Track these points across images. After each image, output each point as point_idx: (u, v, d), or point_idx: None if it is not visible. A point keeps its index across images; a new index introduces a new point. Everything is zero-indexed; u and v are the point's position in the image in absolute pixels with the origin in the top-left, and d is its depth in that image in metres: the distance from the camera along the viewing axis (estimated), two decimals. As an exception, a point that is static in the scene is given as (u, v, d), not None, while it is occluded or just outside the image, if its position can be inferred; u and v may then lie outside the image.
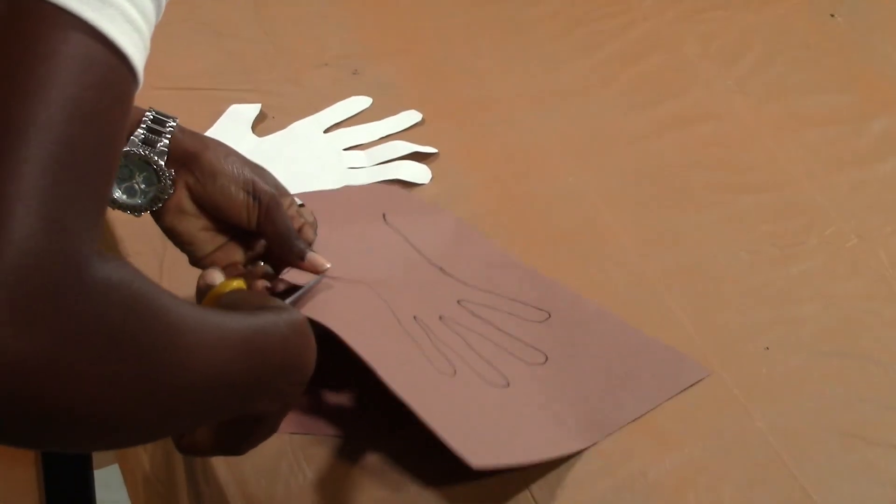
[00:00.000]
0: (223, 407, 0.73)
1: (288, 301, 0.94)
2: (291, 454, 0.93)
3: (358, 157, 1.21)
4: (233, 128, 1.22)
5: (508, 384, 0.98)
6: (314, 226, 1.02)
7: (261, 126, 1.24)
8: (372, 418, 0.96)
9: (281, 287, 0.96)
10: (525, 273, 1.08)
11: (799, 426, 0.98)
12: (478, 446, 0.89)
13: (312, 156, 1.21)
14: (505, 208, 1.16)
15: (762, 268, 1.12)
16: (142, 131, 0.93)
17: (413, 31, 1.41)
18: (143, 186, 0.94)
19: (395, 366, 0.93)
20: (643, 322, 1.06)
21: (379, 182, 1.18)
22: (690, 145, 1.26)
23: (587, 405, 0.97)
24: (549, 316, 1.04)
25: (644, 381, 0.99)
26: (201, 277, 0.89)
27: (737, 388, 1.00)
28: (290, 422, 0.93)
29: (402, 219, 1.10)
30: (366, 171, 1.19)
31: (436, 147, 1.22)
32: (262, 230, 0.97)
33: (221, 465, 0.92)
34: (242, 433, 0.80)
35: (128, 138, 0.93)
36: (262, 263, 0.99)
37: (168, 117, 0.94)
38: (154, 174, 0.94)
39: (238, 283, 0.88)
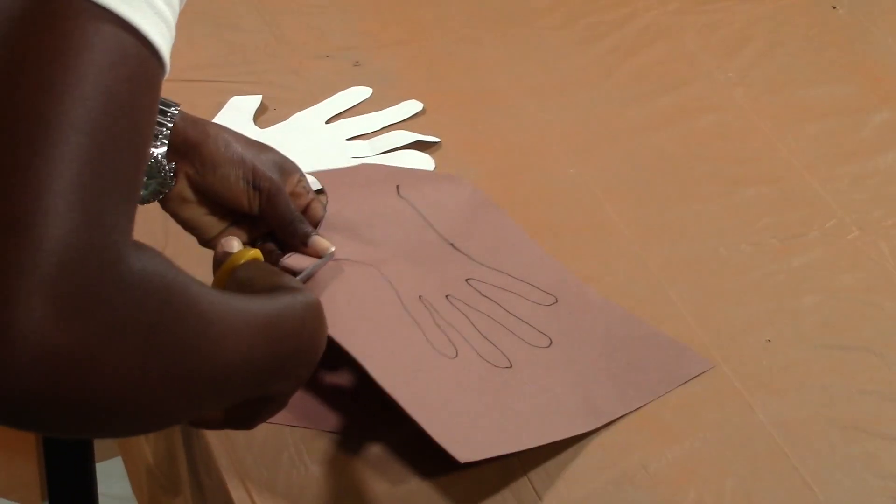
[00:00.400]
0: (244, 390, 0.74)
1: (299, 279, 0.95)
2: (293, 447, 0.93)
3: (360, 147, 1.21)
4: (234, 119, 1.22)
5: (511, 365, 0.98)
6: (323, 202, 1.02)
7: (262, 118, 1.24)
8: (373, 411, 0.96)
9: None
10: (536, 254, 1.09)
11: (800, 418, 0.98)
12: (467, 438, 0.89)
13: (315, 147, 1.21)
14: (506, 199, 1.16)
15: (763, 260, 1.12)
16: None
17: (414, 22, 1.40)
18: (145, 178, 0.94)
19: (386, 356, 0.93)
20: (645, 314, 1.06)
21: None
22: (692, 137, 1.26)
23: (588, 391, 0.97)
24: (556, 301, 1.04)
25: (647, 372, 0.99)
26: (219, 245, 0.90)
27: (738, 380, 1.00)
28: (291, 415, 0.94)
29: (416, 191, 1.10)
30: (369, 160, 1.19)
31: (437, 138, 1.22)
32: (265, 216, 0.98)
33: (223, 457, 0.92)
34: (253, 410, 0.81)
35: None
36: (269, 242, 1.00)
37: (170, 104, 0.95)
38: (155, 168, 0.94)
39: (255, 253, 0.89)
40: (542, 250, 1.09)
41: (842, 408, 0.99)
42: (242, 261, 0.88)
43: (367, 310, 0.97)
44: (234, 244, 0.90)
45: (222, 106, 1.24)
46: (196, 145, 0.95)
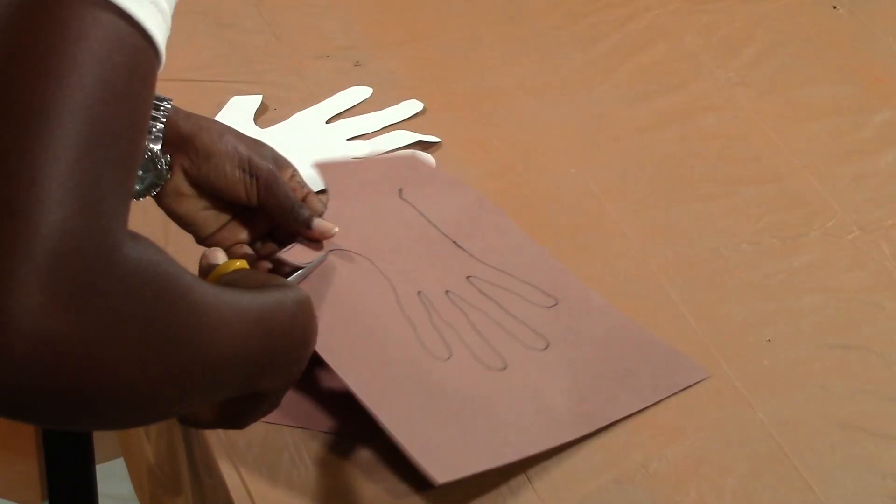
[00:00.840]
0: (235, 384, 0.74)
1: (291, 279, 0.95)
2: (293, 447, 0.93)
3: (361, 147, 1.21)
4: (234, 119, 1.22)
5: (505, 367, 0.97)
6: (324, 200, 1.02)
7: (263, 118, 1.24)
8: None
9: (287, 270, 0.96)
10: (539, 255, 1.08)
11: (800, 418, 0.98)
12: (448, 456, 0.89)
13: (315, 146, 1.20)
14: (506, 200, 1.16)
15: (764, 259, 1.12)
16: None
17: (415, 22, 1.40)
18: (140, 173, 0.94)
19: (371, 365, 0.93)
20: (645, 313, 1.06)
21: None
22: (692, 137, 1.26)
23: (582, 395, 0.96)
24: (557, 303, 1.04)
25: (642, 378, 0.99)
26: (203, 257, 0.90)
27: (738, 380, 1.00)
28: (291, 416, 0.94)
29: (420, 193, 1.10)
30: (368, 162, 1.20)
31: (437, 138, 1.22)
32: (264, 205, 0.97)
33: (224, 458, 0.92)
34: (244, 409, 0.81)
35: None
36: (270, 243, 1.00)
37: (162, 99, 0.95)
38: (150, 161, 0.94)
39: (241, 264, 0.89)
40: (545, 252, 1.09)
41: (842, 407, 0.99)
42: (230, 270, 0.87)
43: (359, 312, 0.97)
44: (219, 256, 0.90)
45: (222, 106, 1.24)
46: (190, 137, 0.96)
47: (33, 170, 0.58)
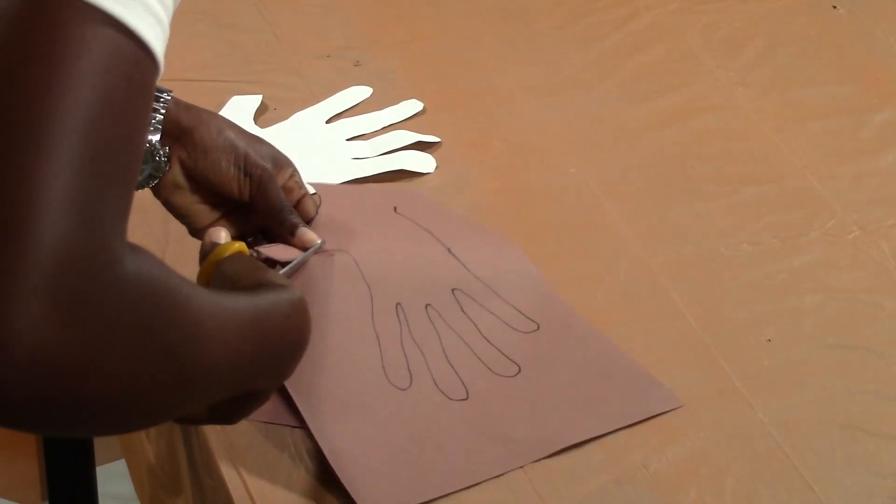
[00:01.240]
0: (231, 387, 0.75)
1: (283, 272, 0.95)
2: (293, 447, 0.93)
3: (361, 147, 1.21)
4: (234, 119, 1.21)
5: (467, 397, 0.96)
6: (316, 201, 1.02)
7: (263, 117, 1.24)
8: None
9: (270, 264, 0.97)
10: (530, 276, 1.07)
11: (800, 418, 0.98)
12: (386, 486, 0.89)
13: (316, 146, 1.20)
14: (507, 199, 1.16)
15: (764, 259, 1.12)
16: None
17: (415, 22, 1.40)
18: None
19: (326, 386, 0.93)
20: (645, 313, 1.06)
21: (385, 174, 1.18)
22: (692, 137, 1.26)
23: (543, 421, 0.95)
24: (538, 328, 1.02)
25: (608, 403, 0.97)
26: (207, 235, 0.91)
27: (738, 379, 1.00)
28: (291, 416, 0.94)
29: (415, 207, 1.10)
30: (370, 161, 1.19)
31: (437, 138, 1.22)
32: (254, 204, 0.98)
33: (224, 458, 0.92)
34: (237, 407, 0.82)
35: None
36: (261, 239, 1.00)
37: (162, 90, 0.95)
38: (149, 152, 0.94)
39: (240, 246, 0.89)
40: (537, 273, 1.07)
41: (842, 407, 0.98)
42: (228, 253, 0.88)
43: (331, 324, 0.96)
44: (222, 235, 0.90)
45: (222, 106, 1.24)
46: (189, 130, 0.96)
47: (32, 186, 0.58)
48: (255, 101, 1.25)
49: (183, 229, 1.01)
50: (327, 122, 1.25)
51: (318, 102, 1.26)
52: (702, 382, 1.00)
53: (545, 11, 1.42)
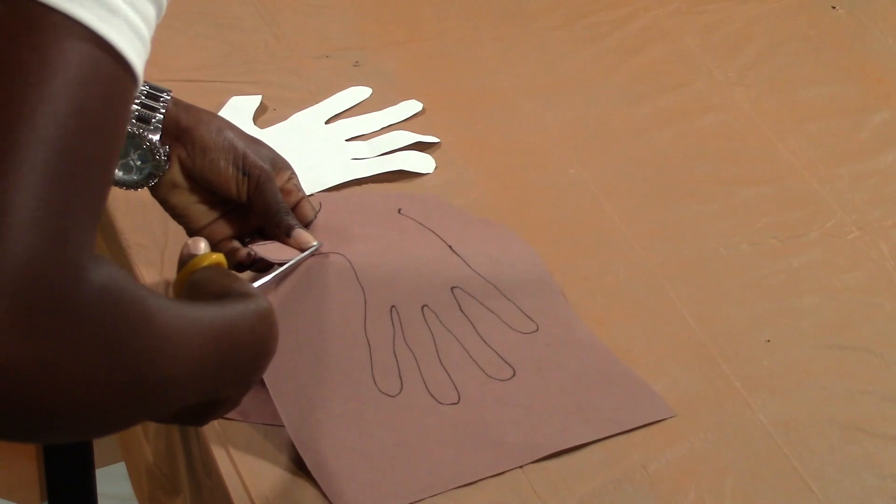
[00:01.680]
0: (194, 396, 0.75)
1: (266, 278, 0.95)
2: (293, 447, 0.93)
3: (360, 147, 1.21)
4: (234, 119, 1.22)
5: (458, 401, 0.96)
6: (315, 205, 1.02)
7: (262, 118, 1.24)
8: None
9: (261, 266, 0.97)
10: (534, 274, 1.07)
11: (800, 418, 0.98)
12: (368, 494, 0.89)
13: (315, 147, 1.21)
14: (506, 200, 1.16)
15: (763, 260, 1.12)
16: (136, 107, 0.94)
17: (414, 22, 1.40)
18: (138, 163, 0.95)
19: (311, 404, 0.93)
20: (644, 313, 1.06)
21: (385, 175, 1.18)
22: (691, 137, 1.26)
23: (534, 425, 0.95)
24: (537, 329, 1.02)
25: (600, 410, 0.97)
26: (185, 246, 0.90)
27: (738, 380, 1.00)
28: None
29: (418, 208, 1.10)
30: (369, 161, 1.19)
31: (437, 138, 1.22)
32: (252, 204, 0.98)
33: (223, 458, 0.92)
34: (203, 412, 0.82)
35: None
36: (259, 239, 1.00)
37: (162, 90, 0.95)
38: (149, 151, 0.95)
39: (217, 257, 0.89)
40: (543, 268, 1.07)
41: (842, 408, 0.99)
42: (204, 264, 0.88)
43: (321, 330, 0.96)
44: (201, 246, 0.90)
45: (222, 106, 1.24)
46: (188, 129, 0.96)
47: (2, 198, 0.58)
48: (254, 101, 1.25)
49: (182, 230, 1.01)
50: (326, 122, 1.25)
51: (317, 103, 1.26)
52: (701, 383, 1.00)
53: (545, 12, 1.42)
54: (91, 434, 0.71)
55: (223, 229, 1.00)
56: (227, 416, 0.94)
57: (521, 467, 0.92)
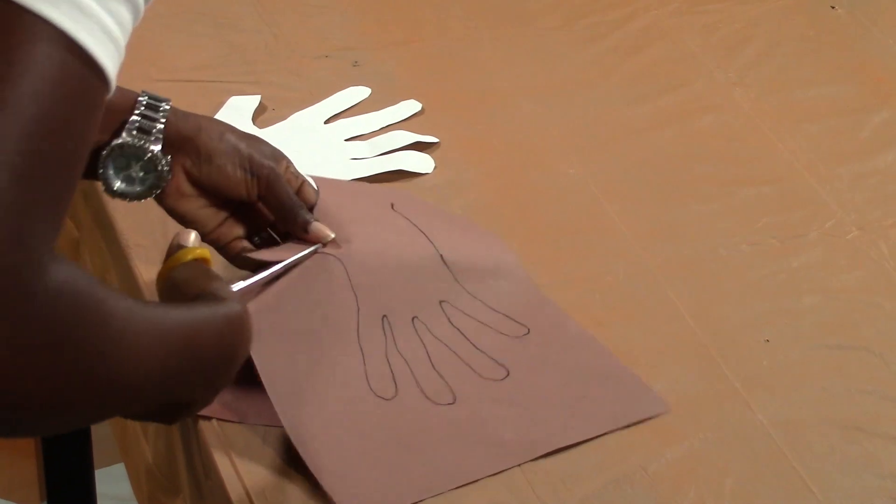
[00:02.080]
0: (156, 398, 0.76)
1: (254, 279, 0.94)
2: (292, 447, 0.93)
3: (360, 147, 1.21)
4: (233, 119, 1.22)
5: (454, 401, 0.96)
6: (314, 186, 1.02)
7: (261, 118, 1.24)
8: None
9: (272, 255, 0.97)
10: (520, 281, 1.06)
11: (799, 418, 0.98)
12: (372, 494, 0.89)
13: (314, 147, 1.20)
14: (505, 200, 1.16)
15: (763, 260, 1.12)
16: (136, 118, 0.94)
17: (413, 22, 1.40)
18: (140, 175, 0.95)
19: (310, 409, 0.93)
20: (644, 313, 1.06)
21: (384, 174, 1.18)
22: (691, 137, 1.26)
23: (531, 423, 0.95)
24: (528, 332, 1.02)
25: (598, 406, 0.97)
26: (175, 236, 0.90)
27: (737, 380, 1.00)
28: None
29: (411, 205, 1.10)
30: (368, 161, 1.19)
31: (436, 138, 1.22)
32: (265, 203, 0.99)
33: (222, 458, 0.92)
34: (169, 412, 0.82)
35: (123, 124, 0.94)
36: (269, 236, 1.01)
37: (161, 100, 0.95)
38: (151, 162, 0.94)
39: (201, 252, 0.88)
40: (526, 276, 1.07)
41: (841, 408, 0.99)
42: (187, 258, 0.87)
43: (315, 334, 0.96)
44: (190, 238, 0.89)
45: (222, 106, 1.24)
46: (190, 138, 0.96)
47: None
48: (253, 101, 1.25)
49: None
50: (326, 122, 1.25)
51: (316, 103, 1.26)
52: (700, 383, 1.00)
53: (544, 12, 1.42)
54: (46, 431, 0.72)
55: (233, 229, 1.00)
56: (226, 418, 0.94)
57: (520, 467, 0.92)
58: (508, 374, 0.98)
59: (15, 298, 0.59)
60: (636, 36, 1.39)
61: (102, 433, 1.60)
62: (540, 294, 1.06)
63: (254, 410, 0.94)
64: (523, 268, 1.08)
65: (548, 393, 0.98)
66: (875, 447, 0.96)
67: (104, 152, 0.94)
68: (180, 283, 0.85)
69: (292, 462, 0.92)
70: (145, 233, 1.09)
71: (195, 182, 0.97)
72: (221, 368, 0.81)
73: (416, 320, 1.00)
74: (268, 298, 0.96)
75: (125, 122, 0.94)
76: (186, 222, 0.99)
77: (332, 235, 0.99)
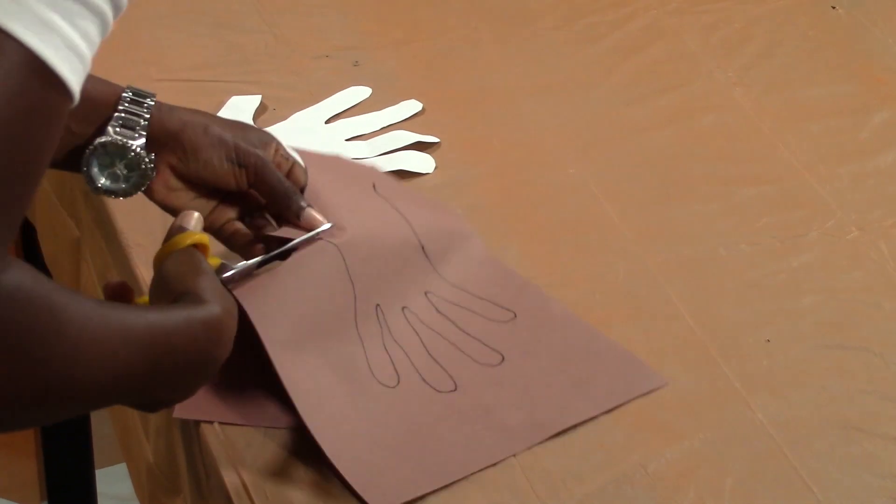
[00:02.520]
0: (122, 400, 0.76)
1: (256, 260, 0.94)
2: (292, 447, 0.93)
3: (360, 147, 1.21)
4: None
5: (455, 388, 0.97)
6: (304, 169, 1.02)
7: (262, 118, 1.24)
8: None
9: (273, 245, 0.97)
10: (500, 272, 1.07)
11: (800, 418, 0.98)
12: (390, 481, 0.89)
13: (315, 147, 1.20)
14: (506, 199, 1.16)
15: (763, 260, 1.12)
16: (120, 113, 0.94)
17: (413, 21, 1.40)
18: (125, 172, 0.95)
19: (321, 387, 0.93)
20: (644, 313, 1.06)
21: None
22: (691, 137, 1.26)
23: (534, 406, 0.96)
24: (515, 316, 1.03)
25: (596, 385, 0.98)
26: (179, 217, 0.89)
27: (737, 380, 1.00)
28: (288, 418, 0.94)
29: (391, 188, 1.10)
30: (368, 161, 1.19)
31: (437, 138, 1.22)
32: (257, 190, 0.99)
33: (223, 458, 0.92)
34: (148, 405, 0.82)
35: (106, 120, 0.94)
36: (260, 217, 1.01)
37: (146, 94, 0.95)
38: (134, 160, 0.94)
39: (199, 238, 0.88)
40: (506, 267, 1.07)
41: (841, 407, 0.99)
42: (186, 243, 0.87)
43: (319, 323, 0.96)
44: (192, 221, 0.88)
45: (222, 106, 1.24)
46: (175, 134, 0.96)
47: None
48: (254, 101, 1.25)
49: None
50: (326, 122, 1.25)
51: (317, 103, 1.26)
52: (701, 383, 1.00)
53: (544, 12, 1.42)
54: (7, 428, 0.72)
55: (225, 213, 1.00)
56: (227, 421, 0.94)
57: (520, 467, 0.92)
58: (504, 359, 0.99)
59: None
60: (636, 36, 1.39)
61: (103, 433, 1.60)
62: (520, 277, 1.06)
63: (255, 413, 0.94)
64: (487, 251, 1.08)
65: (545, 375, 0.98)
66: (875, 447, 0.96)
67: (88, 150, 0.94)
68: (168, 279, 0.84)
69: (293, 462, 0.92)
70: (145, 233, 1.09)
71: (183, 177, 0.97)
72: (192, 372, 0.80)
73: (405, 310, 1.01)
74: (272, 283, 0.95)
75: (109, 117, 0.94)
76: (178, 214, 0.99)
77: (326, 223, 0.98)
